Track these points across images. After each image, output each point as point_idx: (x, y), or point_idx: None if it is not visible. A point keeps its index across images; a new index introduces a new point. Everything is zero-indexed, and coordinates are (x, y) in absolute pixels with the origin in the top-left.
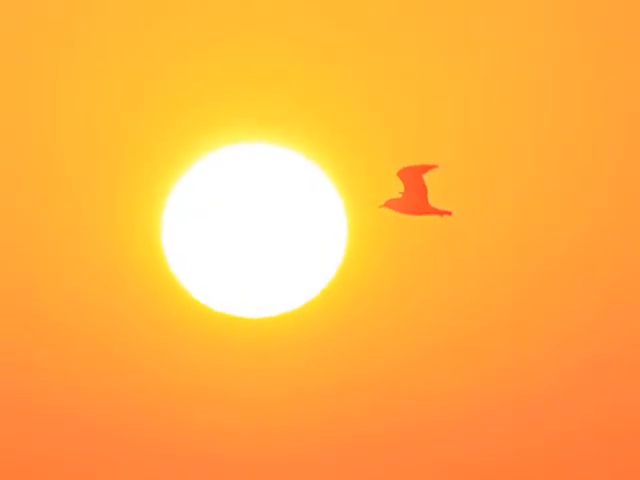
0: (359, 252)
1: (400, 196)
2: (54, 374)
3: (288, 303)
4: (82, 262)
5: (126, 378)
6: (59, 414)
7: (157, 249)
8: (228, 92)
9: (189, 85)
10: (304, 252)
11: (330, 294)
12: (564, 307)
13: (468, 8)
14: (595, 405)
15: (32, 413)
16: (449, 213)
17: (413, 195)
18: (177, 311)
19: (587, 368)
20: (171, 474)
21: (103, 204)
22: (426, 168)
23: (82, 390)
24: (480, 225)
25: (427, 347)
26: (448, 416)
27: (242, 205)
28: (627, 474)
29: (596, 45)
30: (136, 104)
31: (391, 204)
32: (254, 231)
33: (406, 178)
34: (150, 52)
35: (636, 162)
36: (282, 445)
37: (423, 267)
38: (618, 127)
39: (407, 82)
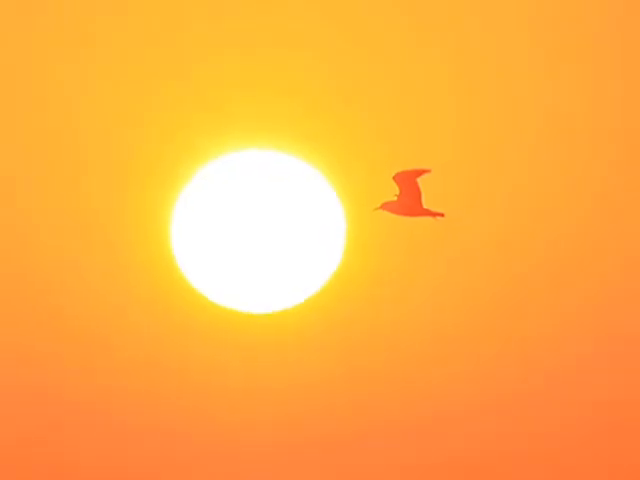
0: (357, 251)
1: (395, 199)
2: (63, 369)
3: (290, 299)
4: (94, 262)
5: (134, 371)
6: (66, 406)
7: (166, 248)
8: (233, 102)
9: (196, 96)
10: (305, 251)
11: (329, 291)
12: (552, 303)
13: (464, 19)
14: (583, 399)
15: (41, 408)
16: (441, 215)
17: (408, 198)
18: (185, 307)
19: (576, 364)
20: (177, 462)
21: (115, 207)
22: (420, 172)
23: (92, 383)
24: (470, 226)
25: (423, 341)
26: (445, 407)
27: (246, 207)
28: (615, 471)
29: (586, 53)
30: (147, 113)
31: (387, 206)
32: (258, 231)
33: (401, 182)
34: (158, 65)
35: (622, 167)
36: (283, 435)
37: (417, 265)
38: (606, 133)
39: (404, 92)
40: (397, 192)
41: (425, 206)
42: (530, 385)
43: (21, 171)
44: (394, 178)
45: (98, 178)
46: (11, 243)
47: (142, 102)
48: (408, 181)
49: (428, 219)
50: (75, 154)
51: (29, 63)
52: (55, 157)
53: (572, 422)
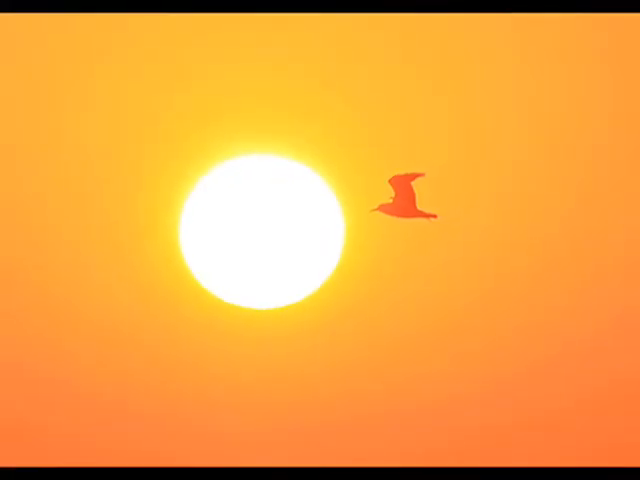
0: (355, 250)
1: (391, 201)
2: (77, 362)
3: (292, 296)
4: (106, 263)
5: (144, 363)
6: (80, 400)
7: (175, 249)
8: (238, 110)
9: (203, 106)
10: (306, 251)
11: (329, 288)
12: (539, 299)
13: (457, 37)
14: (568, 385)
15: (57, 398)
16: (434, 216)
17: (403, 200)
18: (194, 304)
19: (560, 356)
20: (186, 448)
21: (127, 210)
22: (414, 176)
23: (104, 376)
24: (462, 227)
25: (417, 333)
26: (437, 396)
27: (251, 208)
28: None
29: (573, 62)
30: (158, 122)
31: (383, 208)
32: (262, 231)
33: (396, 185)
34: (167, 78)
35: (600, 171)
36: (285, 422)
37: (411, 263)
38: (590, 140)
39: (400, 101)
40: (393, 195)
41: (419, 208)
42: (518, 375)
43: (38, 174)
44: (390, 182)
45: (111, 182)
46: (26, 243)
47: (153, 113)
48: (403, 184)
49: (422, 220)
50: (90, 160)
51: (49, 78)
52: (71, 163)
53: (558, 407)
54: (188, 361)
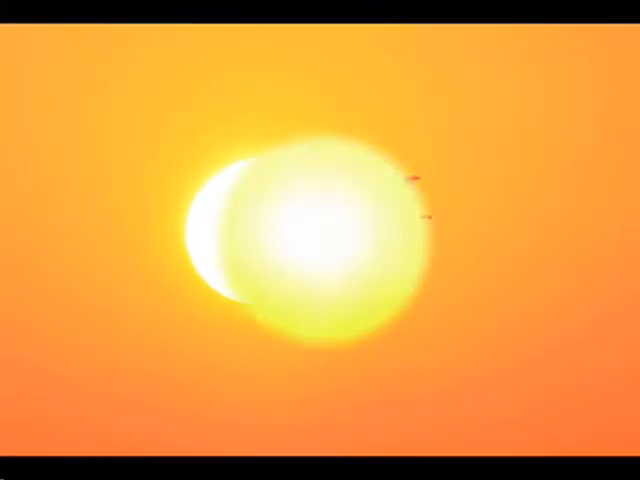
0: None
1: None
2: (84, 356)
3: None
4: (114, 257)
5: (149, 357)
6: (84, 387)
7: (182, 247)
8: (243, 118)
9: (209, 116)
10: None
11: None
12: (527, 293)
13: (450, 50)
14: (564, 379)
15: (63, 390)
16: (429, 217)
17: None
18: (199, 301)
19: (554, 348)
20: (187, 439)
21: (137, 208)
22: (410, 179)
23: (110, 367)
24: (455, 227)
25: (414, 329)
26: (436, 387)
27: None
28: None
29: (558, 69)
30: (169, 125)
31: None
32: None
33: None
34: (180, 82)
35: (593, 171)
36: (282, 415)
37: None
38: (575, 141)
39: (397, 109)
40: None
41: None
42: (516, 371)
43: (52, 172)
44: None
45: (121, 182)
46: (36, 241)
47: (164, 118)
48: None
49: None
50: (101, 160)
51: (65, 81)
52: (83, 164)
53: (556, 399)
54: (192, 355)
